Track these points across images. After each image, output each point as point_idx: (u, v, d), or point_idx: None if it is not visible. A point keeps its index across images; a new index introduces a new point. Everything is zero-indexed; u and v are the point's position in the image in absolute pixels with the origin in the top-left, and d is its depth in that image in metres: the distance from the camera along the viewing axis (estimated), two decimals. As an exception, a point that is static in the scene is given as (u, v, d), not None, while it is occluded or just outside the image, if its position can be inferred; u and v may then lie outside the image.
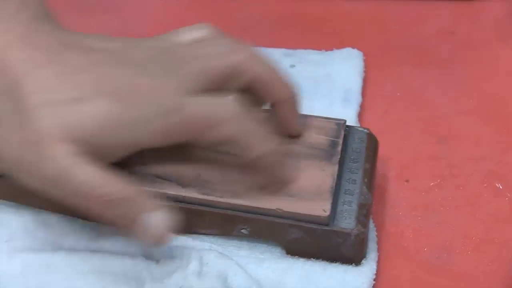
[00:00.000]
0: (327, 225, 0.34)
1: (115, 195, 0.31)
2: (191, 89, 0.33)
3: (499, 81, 0.46)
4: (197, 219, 0.35)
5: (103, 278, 0.34)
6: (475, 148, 0.42)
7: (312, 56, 0.45)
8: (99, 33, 0.35)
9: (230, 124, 0.33)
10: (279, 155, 0.35)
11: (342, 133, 0.37)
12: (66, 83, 0.32)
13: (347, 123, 0.38)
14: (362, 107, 0.43)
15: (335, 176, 0.35)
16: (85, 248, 0.35)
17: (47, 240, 0.36)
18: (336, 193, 0.35)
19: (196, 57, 0.34)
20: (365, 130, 0.38)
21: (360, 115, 0.43)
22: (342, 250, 0.34)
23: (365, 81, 0.45)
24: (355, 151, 0.37)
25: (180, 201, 0.34)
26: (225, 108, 0.33)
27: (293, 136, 0.37)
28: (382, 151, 0.39)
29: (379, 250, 0.36)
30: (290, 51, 0.46)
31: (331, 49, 0.46)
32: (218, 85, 0.33)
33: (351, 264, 0.35)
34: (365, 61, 0.46)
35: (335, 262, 0.35)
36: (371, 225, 0.37)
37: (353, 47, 0.46)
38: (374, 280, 0.35)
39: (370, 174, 0.37)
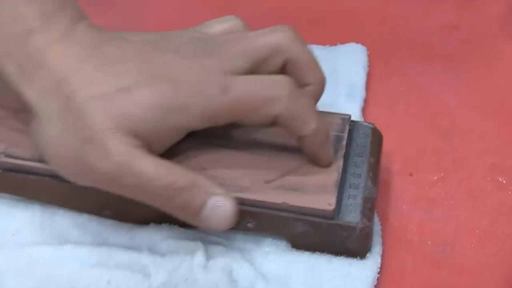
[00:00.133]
0: (332, 219, 0.34)
1: (179, 183, 0.31)
2: (236, 69, 0.33)
3: (502, 76, 0.46)
4: (203, 213, 0.35)
5: (109, 271, 0.34)
6: (478, 143, 0.42)
7: (316, 51, 0.44)
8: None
9: (283, 101, 0.32)
10: (326, 135, 0.35)
11: (347, 127, 0.37)
12: (109, 74, 0.32)
13: (351, 118, 0.38)
14: (366, 101, 0.43)
15: (340, 170, 0.35)
16: (91, 241, 0.36)
17: (53, 234, 0.36)
18: (341, 187, 0.35)
19: (235, 39, 0.34)
20: (370, 125, 0.38)
21: (364, 110, 0.43)
22: (347, 244, 0.35)
23: (369, 76, 0.45)
24: (360, 145, 0.37)
25: (186, 195, 0.35)
26: (277, 86, 0.32)
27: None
28: (386, 145, 0.39)
29: (383, 243, 0.37)
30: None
31: (335, 44, 0.46)
32: (259, 65, 0.33)
33: (356, 257, 0.35)
34: (369, 56, 0.46)
35: (340, 256, 0.35)
36: (376, 219, 0.37)
37: (357, 42, 0.46)
38: (379, 273, 0.35)
39: (374, 168, 0.37)
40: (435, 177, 0.40)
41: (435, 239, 0.37)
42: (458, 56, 0.47)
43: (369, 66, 0.45)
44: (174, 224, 0.36)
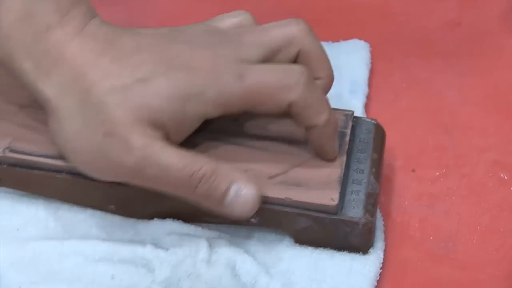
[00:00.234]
0: (335, 214, 0.34)
1: (201, 172, 0.32)
2: (250, 58, 0.33)
3: (504, 72, 0.46)
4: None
5: (113, 266, 0.34)
6: (480, 139, 0.42)
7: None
8: None
9: (298, 89, 0.32)
10: (336, 128, 0.35)
11: (350, 123, 0.37)
12: (125, 66, 0.32)
13: (354, 114, 0.38)
14: (368, 98, 0.44)
15: (343, 166, 0.36)
16: (95, 236, 0.36)
17: (57, 229, 0.36)
18: (344, 182, 0.35)
19: (249, 30, 0.34)
20: (373, 121, 0.38)
21: (366, 106, 0.43)
22: (350, 239, 0.35)
23: (371, 72, 0.45)
24: (362, 141, 0.37)
25: (190, 190, 0.35)
26: (293, 74, 0.33)
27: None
28: (388, 141, 0.39)
29: (386, 239, 0.37)
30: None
31: (338, 41, 0.47)
32: (272, 56, 0.34)
33: (359, 252, 0.35)
34: (371, 52, 0.46)
35: (343, 251, 0.35)
36: (378, 214, 0.37)
37: (359, 39, 0.46)
38: (381, 268, 0.35)
39: (377, 164, 0.37)
40: (437, 173, 0.40)
41: (437, 235, 0.37)
42: (460, 53, 0.47)
43: (371, 63, 0.46)
44: (178, 219, 0.36)
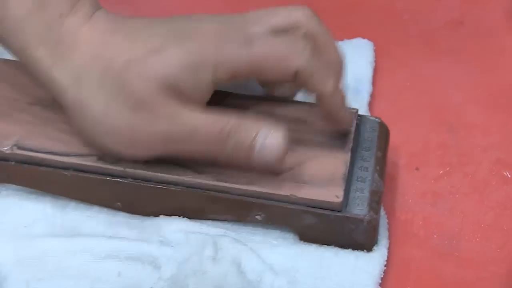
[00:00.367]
0: (339, 211, 0.34)
1: (228, 126, 0.33)
2: (257, 33, 0.34)
3: (508, 71, 0.46)
4: (212, 205, 0.35)
5: (120, 263, 0.35)
6: (483, 137, 0.42)
7: (323, 45, 0.46)
8: None
9: (305, 55, 0.34)
10: (344, 96, 0.36)
11: (354, 121, 0.38)
12: (138, 40, 0.33)
13: (359, 112, 0.38)
14: (372, 96, 0.44)
15: (348, 164, 0.36)
16: (102, 233, 0.36)
17: (64, 226, 0.36)
18: (349, 180, 0.36)
19: (256, 12, 0.35)
20: (377, 119, 0.39)
21: (370, 104, 0.43)
22: (354, 236, 0.35)
23: (375, 70, 0.45)
24: (367, 139, 0.38)
25: (196, 187, 0.35)
26: (299, 43, 0.34)
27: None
28: (392, 139, 0.39)
29: (390, 236, 0.37)
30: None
31: (342, 39, 0.47)
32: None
33: (363, 250, 0.35)
34: (375, 51, 0.46)
35: (347, 248, 0.35)
36: (382, 212, 0.37)
37: (363, 37, 0.47)
38: (385, 266, 0.36)
39: (381, 162, 0.37)
40: (441, 171, 0.40)
41: (441, 233, 0.38)
42: (463, 51, 0.47)
43: (375, 61, 0.46)
44: (184, 217, 0.36)
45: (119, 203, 0.37)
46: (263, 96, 0.39)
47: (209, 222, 0.36)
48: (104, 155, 0.35)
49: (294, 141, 0.36)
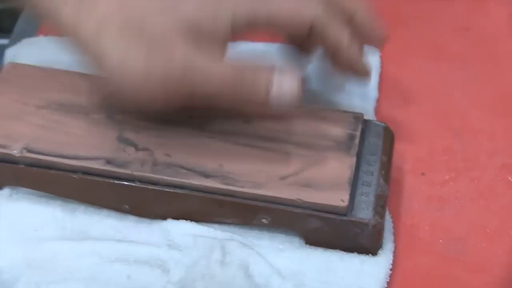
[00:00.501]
0: (345, 215, 0.35)
1: (244, 71, 0.33)
2: None
3: (513, 76, 0.46)
4: (219, 209, 0.36)
5: (129, 266, 0.35)
6: (489, 142, 0.42)
7: (330, 51, 0.46)
8: None
9: (320, 6, 0.35)
10: (362, 45, 0.37)
11: (360, 126, 0.38)
12: None
13: (364, 117, 0.39)
14: (378, 101, 0.44)
15: (353, 168, 0.36)
16: (111, 237, 0.36)
17: (74, 229, 0.37)
18: (354, 184, 0.36)
19: None
20: (382, 124, 0.39)
21: (376, 109, 0.44)
22: (360, 240, 0.35)
23: (381, 76, 0.46)
24: (372, 144, 0.38)
25: (203, 191, 0.35)
26: None
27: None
28: (397, 144, 0.39)
29: (395, 241, 0.37)
30: (309, 47, 0.46)
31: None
32: None
33: (368, 254, 0.36)
34: (381, 56, 0.46)
35: (353, 252, 0.36)
36: (388, 216, 0.38)
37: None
38: (391, 270, 0.36)
39: (387, 166, 0.37)
40: (447, 176, 0.41)
41: (446, 238, 0.38)
42: (469, 57, 0.47)
43: (381, 67, 0.46)
44: (191, 220, 0.36)
45: (126, 206, 0.37)
46: None
47: (216, 226, 0.36)
48: (112, 159, 0.36)
49: (300, 145, 0.37)
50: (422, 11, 0.50)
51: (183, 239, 0.36)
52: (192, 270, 0.35)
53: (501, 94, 0.45)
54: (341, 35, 0.36)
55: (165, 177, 0.35)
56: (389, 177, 0.38)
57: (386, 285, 0.35)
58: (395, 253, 0.37)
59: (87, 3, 0.34)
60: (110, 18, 0.34)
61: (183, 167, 0.36)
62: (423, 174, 0.41)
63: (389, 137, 0.39)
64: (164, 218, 0.37)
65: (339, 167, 0.36)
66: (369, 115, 0.42)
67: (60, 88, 0.39)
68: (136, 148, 0.37)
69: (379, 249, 0.36)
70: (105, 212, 0.37)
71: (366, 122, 0.39)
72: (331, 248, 0.36)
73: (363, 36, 0.38)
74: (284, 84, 0.34)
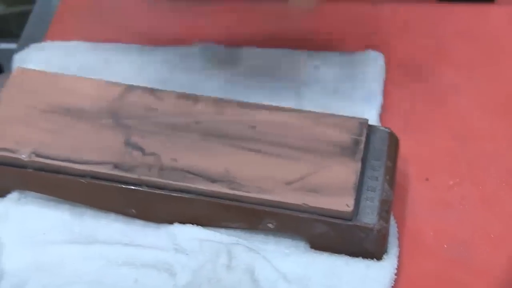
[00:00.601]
0: (350, 220, 0.35)
1: None
2: None
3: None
4: (225, 213, 0.36)
5: (136, 270, 0.35)
6: (493, 148, 0.42)
7: (335, 57, 0.46)
8: None
9: None
10: None
11: (365, 131, 0.38)
12: None
13: (369, 123, 0.39)
14: (382, 107, 0.44)
15: (358, 173, 0.36)
16: (119, 241, 0.37)
17: (82, 233, 0.37)
18: (359, 189, 0.36)
19: None
20: (387, 130, 0.39)
21: (381, 115, 0.44)
22: (365, 245, 0.35)
23: (385, 82, 0.46)
24: (377, 149, 0.38)
25: (209, 196, 0.36)
26: None
27: None
28: (402, 150, 0.40)
29: (400, 245, 0.37)
30: (314, 53, 0.47)
31: (353, 51, 0.47)
32: None
33: (373, 259, 0.36)
34: (385, 62, 0.47)
35: (357, 257, 0.36)
36: (392, 221, 0.38)
37: (374, 49, 0.47)
38: (396, 274, 0.36)
39: (391, 171, 0.38)
40: (451, 182, 0.41)
41: (451, 242, 0.38)
42: (472, 62, 0.47)
43: (385, 72, 0.46)
44: (197, 224, 0.37)
45: (133, 210, 0.37)
46: (273, 106, 0.39)
47: (222, 230, 0.37)
48: (120, 163, 0.36)
49: (306, 151, 0.37)
50: (426, 16, 0.50)
51: (190, 243, 0.36)
52: (198, 274, 0.35)
53: (505, 99, 0.45)
54: None
55: (171, 182, 0.36)
56: (394, 182, 0.38)
57: (390, 289, 0.36)
58: (399, 258, 0.37)
59: None
60: None
61: (189, 172, 0.36)
62: (427, 179, 0.41)
63: (393, 143, 0.39)
64: (170, 222, 0.37)
65: (344, 172, 0.36)
66: (374, 120, 0.43)
67: (68, 93, 0.40)
68: (143, 152, 0.37)
69: (384, 253, 0.36)
70: (112, 216, 0.38)
71: (370, 128, 0.39)
72: (336, 253, 0.36)
73: None
74: None
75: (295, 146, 0.37)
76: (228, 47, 0.47)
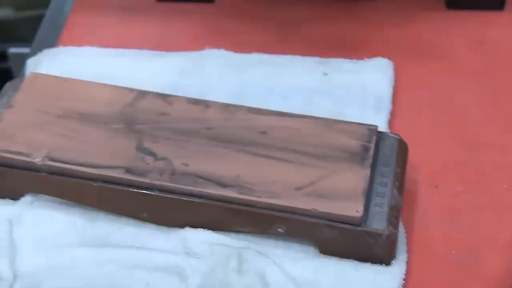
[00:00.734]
0: (359, 225, 0.35)
1: None
2: None
3: (526, 90, 0.46)
4: (236, 218, 0.36)
5: (148, 273, 0.36)
6: (502, 155, 0.43)
7: (344, 65, 0.47)
8: None
9: None
10: None
11: (374, 138, 0.38)
12: None
13: (378, 129, 0.39)
14: (392, 114, 0.44)
15: (368, 179, 0.37)
16: (130, 244, 0.37)
17: (94, 237, 0.37)
18: (368, 195, 0.36)
19: None
20: (396, 136, 0.39)
21: (390, 122, 0.44)
22: (374, 250, 0.36)
23: (395, 89, 0.46)
24: (386, 155, 0.38)
25: (220, 200, 0.36)
26: None
27: None
28: (411, 157, 0.40)
29: (408, 251, 0.37)
30: (324, 59, 0.47)
31: (363, 58, 0.47)
32: None
33: (382, 264, 0.36)
34: (395, 70, 0.47)
35: (366, 262, 0.36)
36: (401, 227, 0.38)
37: (384, 57, 0.47)
38: (404, 280, 0.36)
39: (400, 178, 0.38)
40: (460, 189, 0.41)
41: (459, 249, 0.38)
42: (482, 71, 0.47)
43: (395, 80, 0.46)
44: (208, 229, 0.37)
45: (145, 214, 0.38)
46: (283, 112, 0.40)
47: (233, 234, 0.37)
48: (132, 168, 0.37)
49: (316, 157, 0.37)
50: (436, 24, 0.50)
51: (201, 247, 0.36)
52: (209, 278, 0.35)
53: (514, 108, 0.45)
54: None
55: (183, 186, 0.36)
56: (403, 188, 0.38)
57: (399, 295, 0.36)
58: (408, 264, 0.37)
59: None
60: None
61: (200, 177, 0.36)
62: (436, 186, 0.41)
63: (403, 149, 0.39)
64: (182, 226, 0.37)
65: (353, 178, 0.36)
66: (383, 127, 0.43)
67: (80, 98, 0.40)
68: (155, 157, 0.37)
69: (392, 259, 0.36)
70: (124, 220, 0.38)
71: (380, 134, 0.39)
72: (345, 258, 0.36)
73: None
74: None
75: (305, 152, 0.38)
76: (238, 53, 0.47)
